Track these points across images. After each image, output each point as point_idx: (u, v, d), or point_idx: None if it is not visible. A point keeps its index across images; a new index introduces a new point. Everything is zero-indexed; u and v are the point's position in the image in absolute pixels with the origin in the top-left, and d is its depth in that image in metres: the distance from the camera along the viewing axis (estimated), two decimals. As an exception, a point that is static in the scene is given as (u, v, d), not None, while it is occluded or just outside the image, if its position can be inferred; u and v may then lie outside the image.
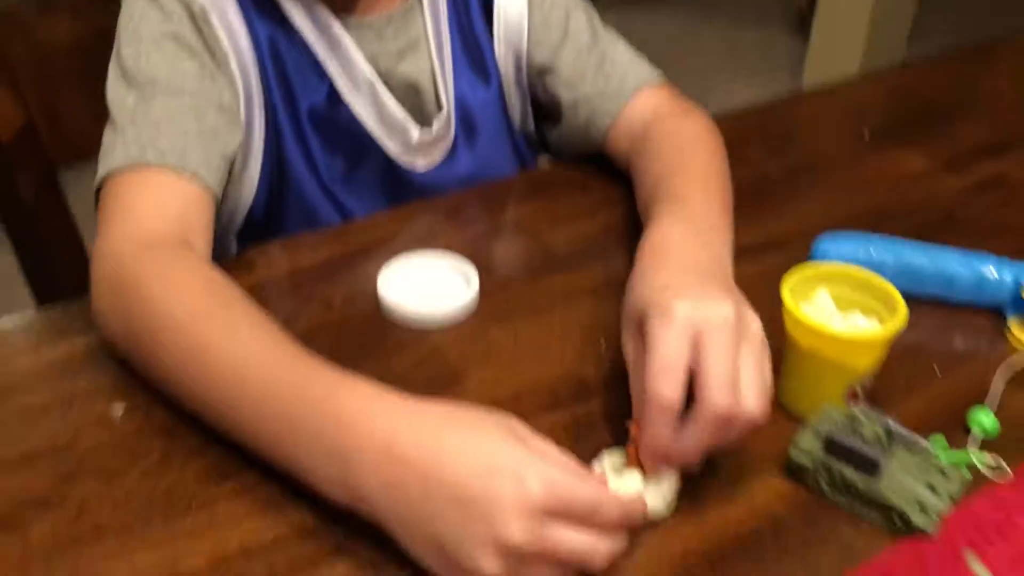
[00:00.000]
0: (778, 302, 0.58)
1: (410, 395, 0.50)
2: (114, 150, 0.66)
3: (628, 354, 0.55)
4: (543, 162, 0.93)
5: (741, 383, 0.49)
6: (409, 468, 0.46)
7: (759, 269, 0.69)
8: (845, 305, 0.61)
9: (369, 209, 0.81)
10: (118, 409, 0.59)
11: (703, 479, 0.54)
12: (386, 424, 0.48)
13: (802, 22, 3.36)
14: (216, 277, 0.59)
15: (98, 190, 0.67)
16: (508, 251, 0.75)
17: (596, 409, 0.60)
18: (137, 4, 0.71)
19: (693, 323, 0.50)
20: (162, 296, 0.57)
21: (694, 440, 0.50)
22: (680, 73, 3.62)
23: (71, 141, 0.88)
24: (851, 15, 2.75)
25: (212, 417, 0.54)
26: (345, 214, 0.81)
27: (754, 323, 0.52)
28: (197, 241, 0.64)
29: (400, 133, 0.80)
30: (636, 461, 0.52)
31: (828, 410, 0.56)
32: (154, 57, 0.69)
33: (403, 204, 0.81)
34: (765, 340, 0.53)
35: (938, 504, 0.52)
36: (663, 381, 0.49)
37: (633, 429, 0.52)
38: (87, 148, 0.90)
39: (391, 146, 0.80)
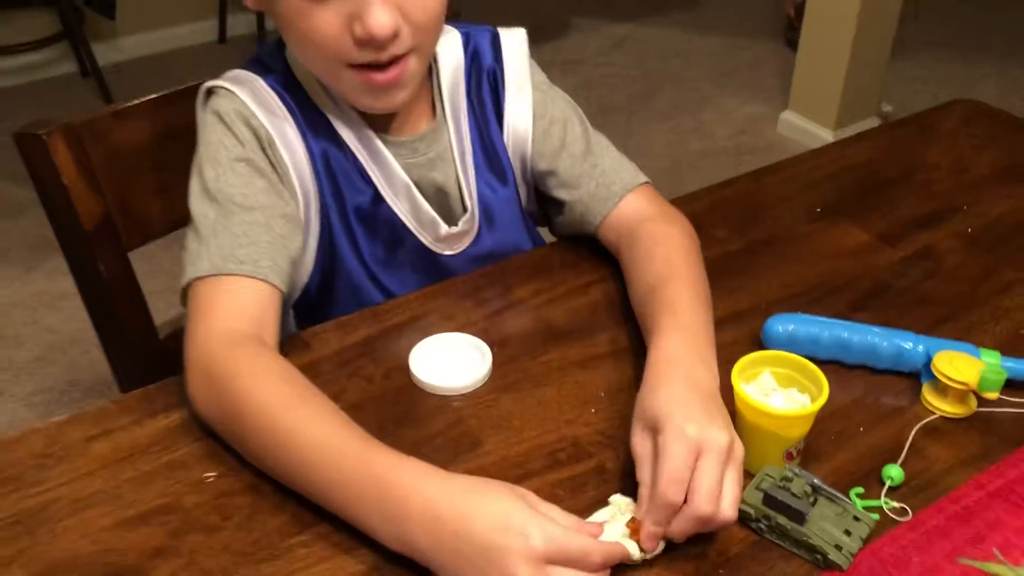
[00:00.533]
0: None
1: (446, 471, 0.66)
2: (199, 259, 0.81)
3: (636, 448, 0.70)
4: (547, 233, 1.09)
5: (723, 494, 0.65)
6: (446, 527, 0.62)
7: (719, 341, 0.85)
8: (785, 383, 0.76)
9: (405, 286, 0.97)
10: (211, 474, 0.74)
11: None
12: (430, 494, 0.64)
13: (792, 35, 3.49)
14: (290, 371, 0.75)
15: (184, 287, 0.82)
16: (514, 327, 0.90)
17: (588, 468, 0.75)
18: (215, 132, 0.86)
19: (698, 443, 0.66)
20: (250, 389, 0.72)
21: (680, 529, 0.66)
22: (676, 86, 3.73)
23: (140, 227, 1.03)
24: (837, 27, 2.88)
25: (295, 485, 0.70)
26: (384, 290, 0.97)
27: (739, 449, 0.68)
28: (268, 336, 0.79)
29: (431, 228, 0.95)
30: (635, 536, 0.67)
31: (768, 469, 0.71)
32: (231, 178, 0.84)
33: (433, 282, 0.97)
34: (743, 459, 0.69)
35: (851, 545, 0.68)
36: (672, 489, 0.65)
37: (631, 525, 0.67)
38: (152, 233, 1.05)
39: (424, 238, 0.95)
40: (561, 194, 0.98)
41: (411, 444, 0.75)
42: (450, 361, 0.85)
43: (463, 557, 0.62)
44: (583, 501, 0.72)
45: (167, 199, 1.04)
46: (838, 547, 0.67)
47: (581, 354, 0.87)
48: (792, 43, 3.40)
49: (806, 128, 3.13)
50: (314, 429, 0.69)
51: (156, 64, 3.58)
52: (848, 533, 0.68)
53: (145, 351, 1.04)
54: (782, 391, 0.76)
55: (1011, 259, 0.99)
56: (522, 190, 1.01)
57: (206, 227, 0.83)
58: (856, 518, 0.69)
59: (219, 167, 0.85)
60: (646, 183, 0.98)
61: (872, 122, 3.14)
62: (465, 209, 0.97)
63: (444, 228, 0.96)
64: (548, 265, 0.99)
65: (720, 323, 0.87)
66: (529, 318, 0.91)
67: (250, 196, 0.84)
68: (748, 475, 0.73)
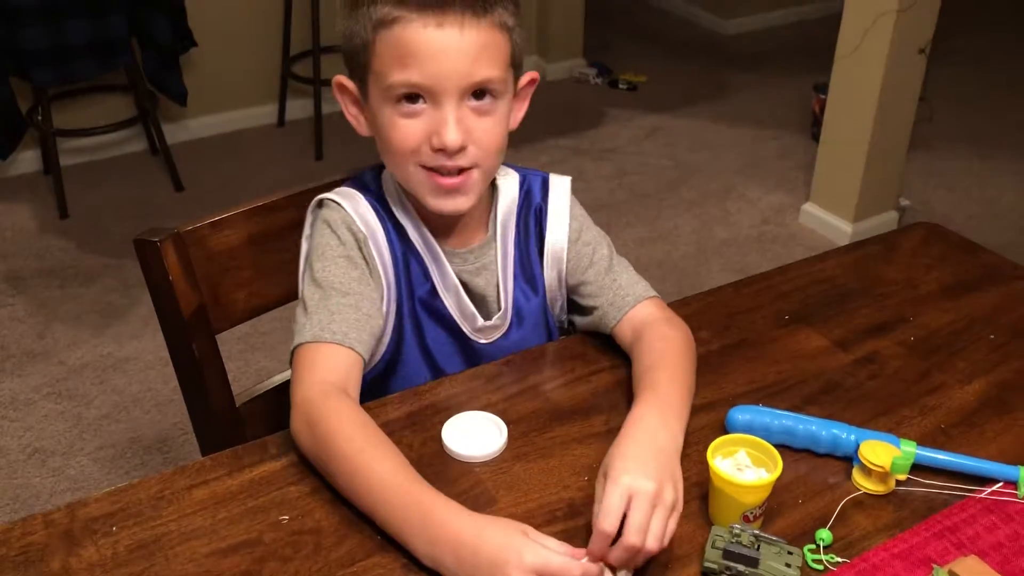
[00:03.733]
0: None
1: (470, 510, 0.88)
2: (305, 329, 1.06)
3: (597, 490, 0.92)
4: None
5: (649, 531, 0.86)
6: (466, 547, 0.85)
7: (695, 426, 1.05)
8: (756, 461, 0.96)
9: (450, 363, 1.21)
10: (284, 517, 0.96)
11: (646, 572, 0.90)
12: (458, 525, 0.87)
13: (817, 129, 3.68)
14: (365, 419, 0.99)
15: (292, 351, 1.07)
16: (527, 408, 1.11)
17: (579, 524, 0.96)
18: (324, 235, 1.12)
19: (630, 488, 0.88)
20: (336, 431, 0.96)
21: (616, 557, 0.87)
22: (704, 175, 3.97)
23: (226, 315, 1.26)
24: (855, 125, 3.08)
25: (361, 507, 0.93)
26: (433, 364, 1.20)
27: (668, 495, 0.89)
28: (351, 389, 1.04)
29: (471, 321, 1.20)
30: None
31: (716, 531, 0.91)
32: (333, 269, 1.10)
33: (471, 362, 1.20)
34: (678, 503, 0.90)
35: (794, 574, 0.87)
36: (606, 521, 0.86)
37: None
38: (236, 319, 1.28)
39: (465, 328, 1.20)
40: (587, 301, 1.23)
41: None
42: (474, 434, 1.06)
43: (476, 569, 0.84)
44: (573, 549, 0.92)
45: (249, 292, 1.27)
46: (785, 578, 0.87)
47: (580, 432, 1.08)
48: (817, 136, 3.57)
49: (826, 220, 3.29)
50: (378, 467, 0.93)
51: (220, 144, 3.86)
52: (788, 565, 0.88)
53: (224, 416, 1.26)
54: (754, 468, 0.96)
55: (943, 365, 1.19)
56: (555, 301, 1.26)
57: (312, 305, 1.08)
58: (789, 552, 0.89)
59: (325, 261, 1.11)
60: (655, 296, 1.22)
61: (890, 216, 3.29)
62: (499, 308, 1.21)
63: (480, 321, 1.20)
64: (559, 356, 1.21)
65: (695, 410, 1.08)
66: (539, 401, 1.13)
67: (346, 283, 1.09)
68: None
